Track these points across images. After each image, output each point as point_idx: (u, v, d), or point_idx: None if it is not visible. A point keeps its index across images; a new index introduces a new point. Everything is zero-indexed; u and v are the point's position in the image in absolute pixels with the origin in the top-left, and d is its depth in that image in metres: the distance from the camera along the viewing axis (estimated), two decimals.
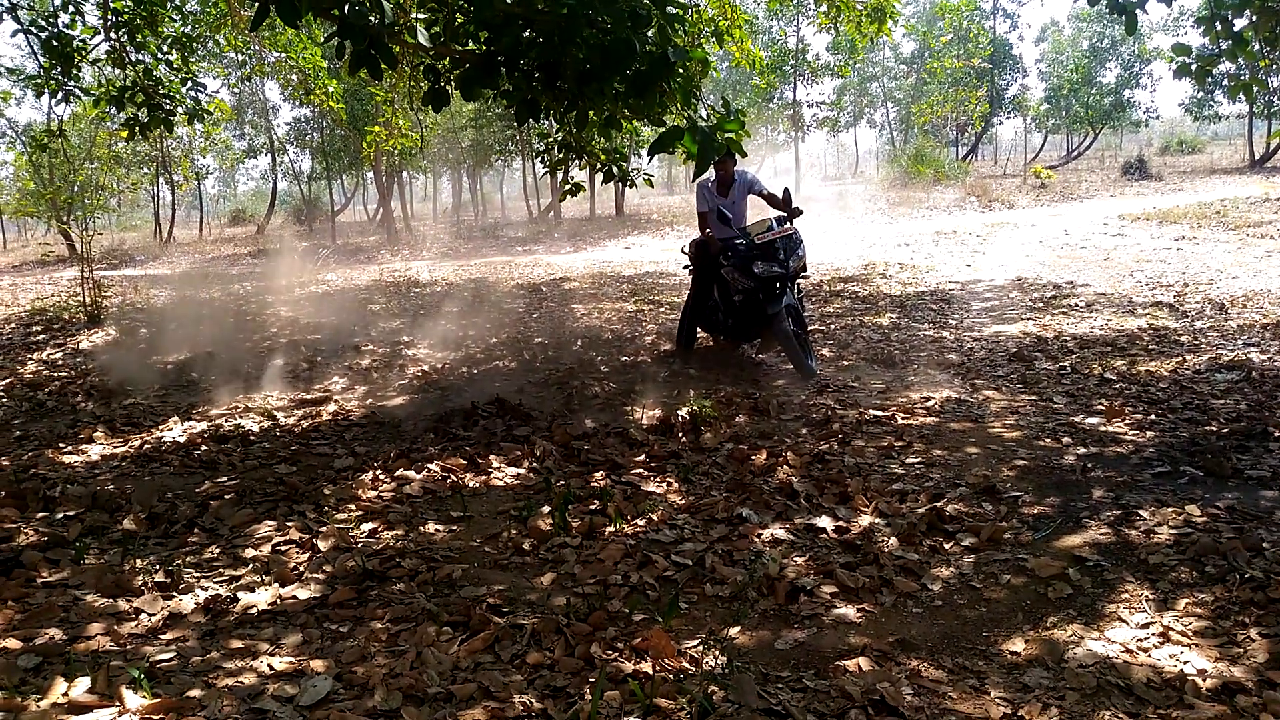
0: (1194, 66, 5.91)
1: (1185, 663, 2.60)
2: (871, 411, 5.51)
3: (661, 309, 10.35)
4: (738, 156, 6.56)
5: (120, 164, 25.78)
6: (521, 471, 4.62)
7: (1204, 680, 2.51)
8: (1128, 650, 2.69)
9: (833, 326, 8.65)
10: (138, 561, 3.49)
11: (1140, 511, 3.72)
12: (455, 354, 8.13)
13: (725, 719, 2.40)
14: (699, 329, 7.72)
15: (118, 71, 8.97)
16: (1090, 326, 7.98)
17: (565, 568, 3.43)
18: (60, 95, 8.32)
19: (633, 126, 6.46)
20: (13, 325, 10.79)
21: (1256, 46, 5.83)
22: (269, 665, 2.70)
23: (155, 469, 4.85)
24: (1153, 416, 5.17)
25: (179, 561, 3.50)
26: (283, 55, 11.50)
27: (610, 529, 3.78)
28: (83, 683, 2.54)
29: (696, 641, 2.83)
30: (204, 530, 3.90)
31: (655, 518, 3.89)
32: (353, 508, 4.10)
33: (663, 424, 5.34)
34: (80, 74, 8.44)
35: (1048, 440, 4.83)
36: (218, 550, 3.66)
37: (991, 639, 2.82)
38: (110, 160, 23.58)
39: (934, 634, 2.87)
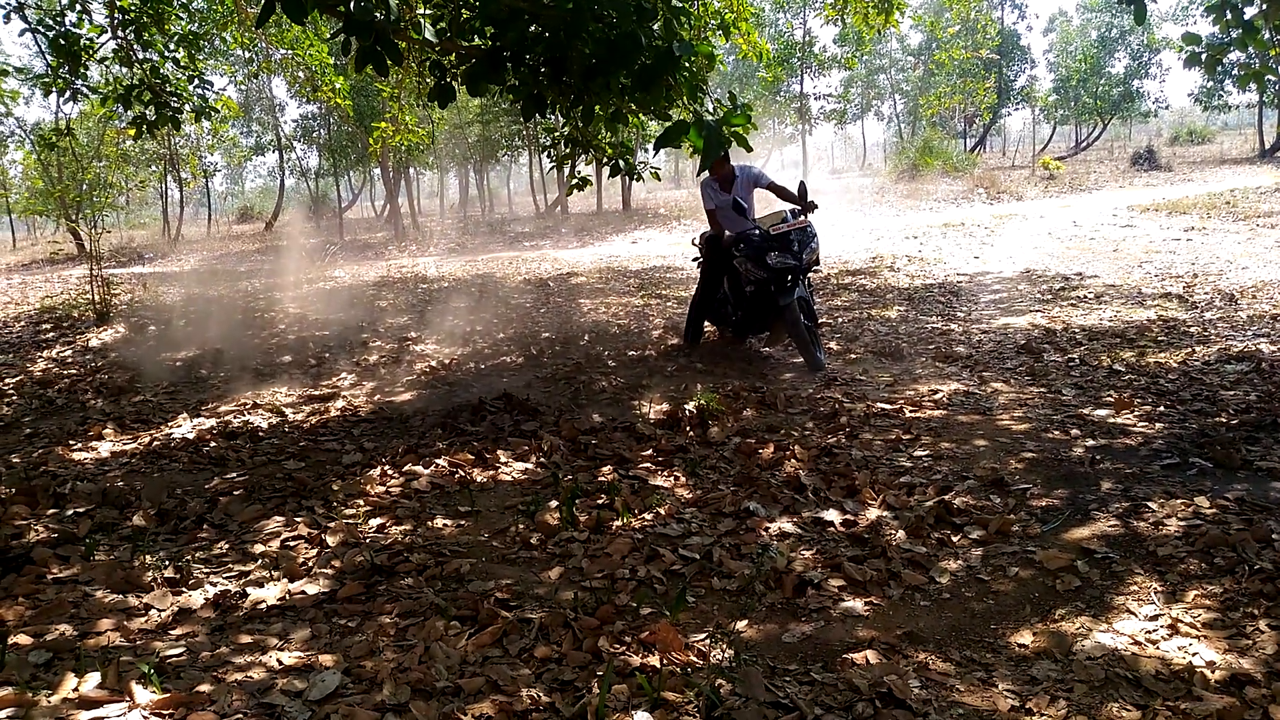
0: (1204, 56, 5.87)
1: (1194, 655, 2.60)
2: (879, 404, 5.50)
3: (669, 303, 10.34)
4: (733, 153, 6.61)
5: (128, 162, 25.87)
6: (529, 466, 4.62)
7: (1213, 672, 2.51)
8: (1136, 642, 2.68)
9: (840, 319, 8.64)
10: (147, 557, 3.50)
11: (1149, 503, 3.70)
12: (463, 349, 8.14)
13: (733, 712, 2.40)
14: (707, 322, 7.73)
15: (125, 70, 9.00)
16: (1099, 318, 7.95)
17: (573, 562, 3.44)
18: (68, 94, 8.35)
19: (639, 121, 6.46)
20: (22, 323, 10.85)
21: (1267, 35, 5.79)
22: (278, 660, 2.72)
23: (164, 465, 4.87)
24: (1162, 408, 5.15)
25: (188, 557, 3.52)
26: (289, 52, 11.50)
27: (618, 523, 3.78)
28: (93, 678, 2.56)
29: (704, 635, 2.84)
30: (213, 526, 3.92)
31: (662, 512, 3.89)
32: (361, 503, 4.11)
33: (670, 418, 5.34)
34: (87, 72, 8.46)
35: (1056, 432, 4.81)
36: (227, 546, 3.67)
37: (999, 631, 2.81)
38: (118, 158, 23.64)
39: (942, 627, 2.87)
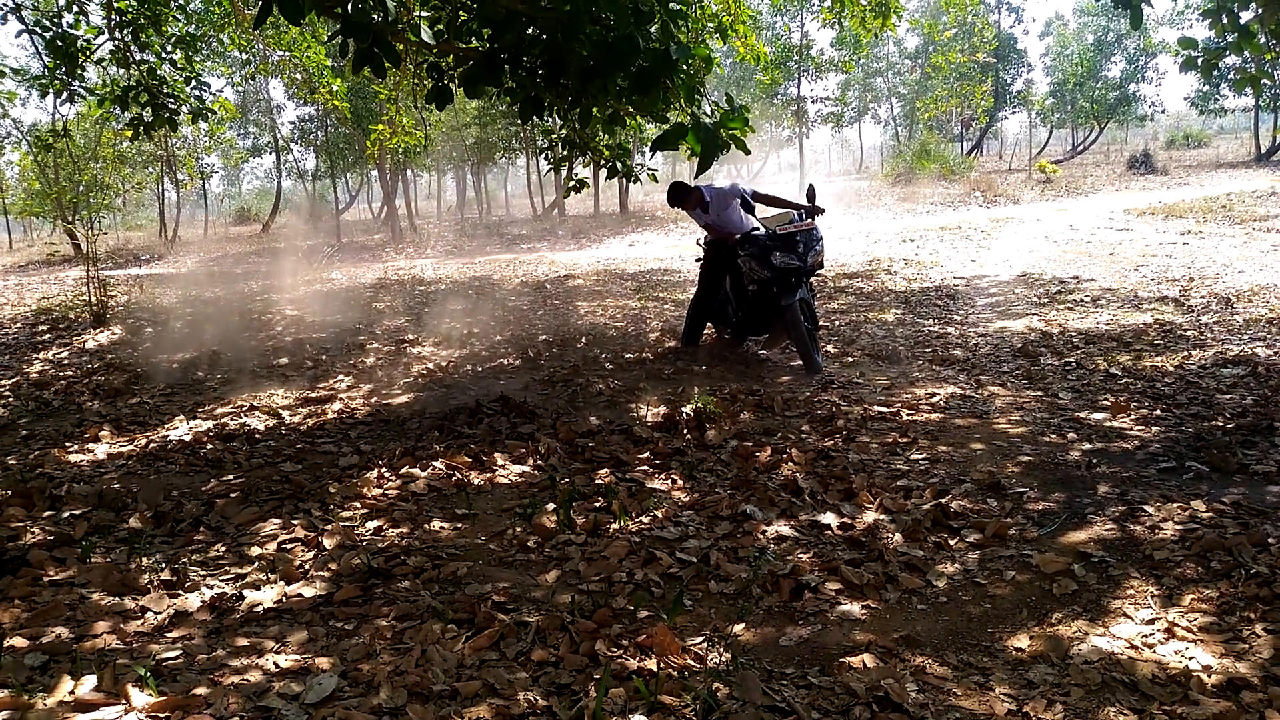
0: (1200, 60, 5.90)
1: (1190, 659, 2.60)
2: (876, 408, 5.50)
3: (666, 306, 10.35)
4: (695, 183, 6.77)
5: (125, 163, 25.84)
6: (526, 469, 4.62)
7: (1209, 676, 2.51)
8: (1133, 646, 2.68)
9: (837, 323, 8.64)
10: (144, 560, 3.50)
11: (1145, 507, 3.71)
12: (460, 352, 8.14)
13: (730, 716, 2.40)
14: (707, 323, 7.74)
15: (122, 71, 8.99)
16: (1095, 321, 7.96)
17: (570, 565, 3.43)
18: (65, 95, 8.35)
19: (636, 123, 6.47)
20: (19, 325, 10.83)
21: (1263, 40, 5.80)
22: (274, 663, 2.71)
23: (161, 468, 4.87)
24: (1158, 412, 5.16)
25: (185, 560, 3.51)
26: (287, 54, 11.51)
27: (615, 526, 3.78)
28: (89, 681, 2.55)
29: (701, 638, 2.84)
30: (209, 528, 3.91)
31: (660, 515, 3.89)
32: (358, 505, 4.11)
33: (667, 421, 5.34)
34: (85, 74, 8.46)
35: (1053, 436, 4.82)
36: (223, 548, 3.67)
37: (996, 635, 2.82)
38: (115, 160, 23.62)
39: (939, 630, 2.87)
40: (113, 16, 8.19)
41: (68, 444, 5.36)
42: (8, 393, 7.03)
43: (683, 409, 5.44)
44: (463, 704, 2.47)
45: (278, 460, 4.93)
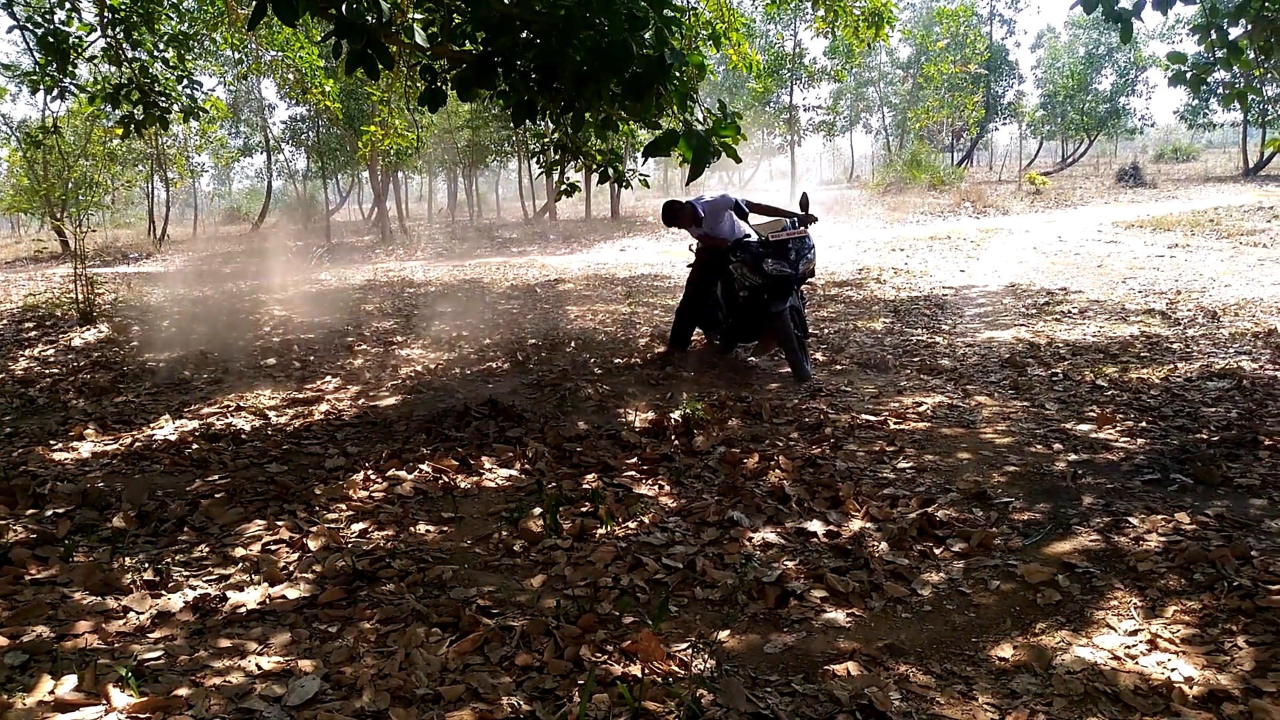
0: (1189, 74, 5.95)
1: (1173, 670, 2.61)
2: (864, 416, 5.52)
3: (655, 311, 10.35)
4: (686, 190, 6.79)
5: (115, 161, 25.73)
6: (513, 473, 4.61)
7: (1191, 688, 2.52)
8: (1115, 657, 2.69)
9: (827, 330, 8.66)
10: (127, 560, 3.48)
11: (1130, 518, 3.72)
12: (449, 355, 8.12)
13: None
14: (696, 329, 7.74)
15: (114, 69, 8.97)
16: (1083, 333, 8.00)
17: (556, 569, 3.43)
18: (56, 92, 8.31)
19: (629, 128, 6.48)
20: (5, 321, 10.76)
21: (1251, 55, 5.86)
22: (257, 665, 2.70)
23: (146, 467, 4.84)
24: (1144, 424, 5.18)
25: (168, 560, 3.49)
26: (279, 54, 11.49)
27: (601, 531, 3.78)
28: (70, 681, 2.54)
29: (686, 645, 2.83)
30: (194, 529, 3.89)
31: (646, 520, 3.89)
32: (343, 507, 4.09)
33: (655, 426, 5.34)
34: (76, 71, 8.42)
35: (1039, 446, 4.84)
36: (207, 549, 3.65)
37: (980, 645, 2.82)
38: (105, 157, 23.52)
39: (923, 639, 2.87)
40: (105, 14, 8.17)
41: (52, 442, 5.33)
42: None
43: (671, 415, 5.44)
44: (446, 708, 2.47)
45: (263, 461, 4.91)
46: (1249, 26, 5.51)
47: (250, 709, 2.45)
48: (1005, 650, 2.77)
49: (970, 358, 7.23)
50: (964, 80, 37.11)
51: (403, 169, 34.72)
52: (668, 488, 4.34)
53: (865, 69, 46.38)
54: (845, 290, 11.52)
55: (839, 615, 3.03)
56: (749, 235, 6.90)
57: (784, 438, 5.16)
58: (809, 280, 7.13)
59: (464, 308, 11.34)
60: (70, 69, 8.12)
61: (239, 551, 3.61)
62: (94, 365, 7.85)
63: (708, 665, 2.71)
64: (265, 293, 13.75)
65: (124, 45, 8.32)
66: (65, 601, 3.12)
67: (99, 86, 8.83)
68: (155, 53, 8.77)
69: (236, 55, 12.60)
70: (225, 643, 2.85)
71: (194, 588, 3.27)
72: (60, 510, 4.05)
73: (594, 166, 6.88)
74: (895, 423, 5.38)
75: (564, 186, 7.57)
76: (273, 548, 3.66)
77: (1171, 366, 6.53)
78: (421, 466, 4.64)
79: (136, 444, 5.29)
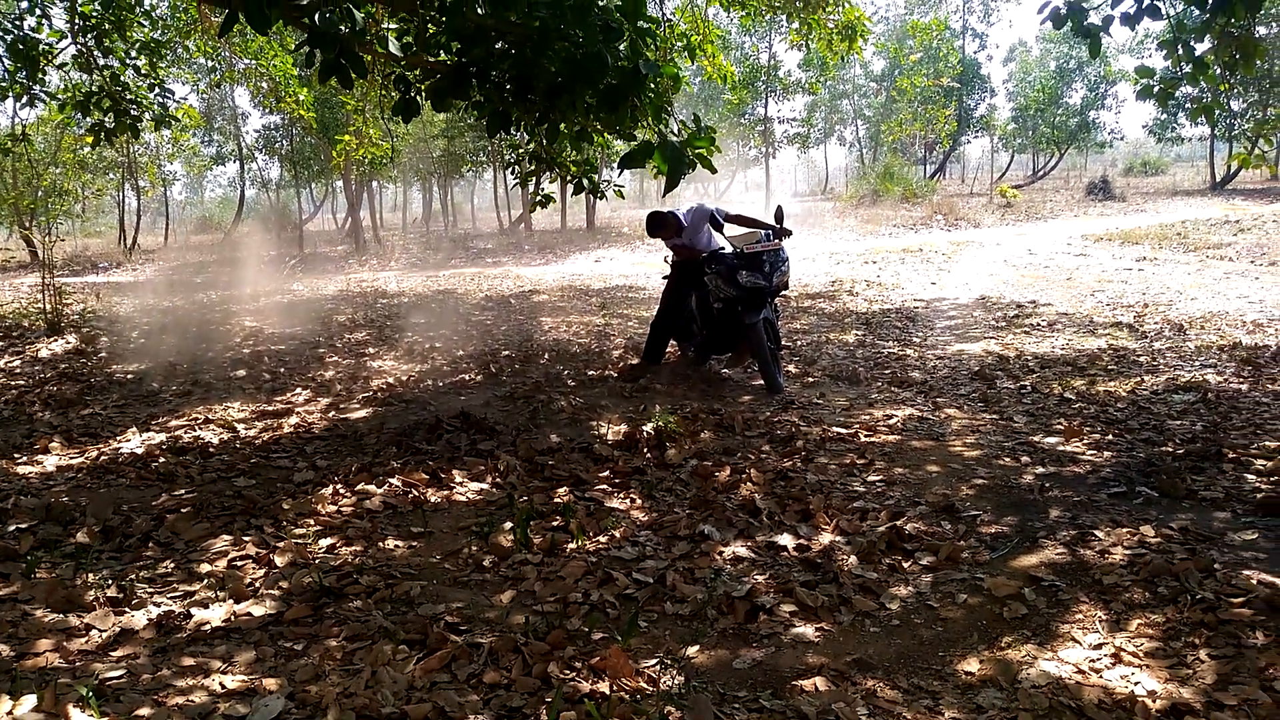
0: (1157, 89, 6.04)
1: (1136, 684, 2.63)
2: (835, 429, 5.54)
3: (630, 323, 10.36)
4: (667, 210, 6.91)
5: (85, 169, 25.39)
6: (484, 486, 4.59)
7: (1154, 701, 2.54)
8: (1080, 671, 2.71)
9: (800, 343, 8.70)
10: (90, 576, 3.43)
11: (1096, 531, 3.76)
12: (421, 366, 8.09)
13: None
14: (670, 341, 7.74)
15: (84, 76, 8.88)
16: (1051, 346, 8.08)
17: (525, 585, 3.41)
18: (25, 99, 8.22)
19: (604, 139, 6.49)
20: None
21: (1217, 70, 5.95)
22: (221, 684, 2.67)
23: (111, 481, 4.78)
24: (1110, 436, 5.24)
25: (132, 576, 3.45)
26: (253, 62, 11.43)
27: (572, 546, 3.77)
28: (29, 700, 2.49)
29: (655, 661, 2.83)
30: (159, 544, 3.85)
31: (618, 534, 3.89)
32: (311, 523, 4.05)
33: (628, 439, 5.34)
34: (46, 78, 8.34)
35: (1007, 459, 4.88)
36: (172, 565, 3.61)
37: (947, 659, 2.84)
38: (75, 165, 23.20)
39: (890, 653, 2.88)
40: (76, 20, 8.09)
41: (16, 455, 5.25)
42: None
43: (644, 427, 5.44)
44: None
45: (231, 475, 4.86)
46: (1215, 42, 5.60)
47: None
48: (972, 664, 2.79)
49: (940, 370, 7.28)
50: (937, 94, 37.48)
51: (377, 178, 34.56)
52: (639, 501, 4.34)
53: (839, 82, 46.75)
54: (818, 302, 11.59)
55: (808, 630, 3.04)
56: (723, 247, 6.93)
57: (756, 450, 5.17)
58: (783, 293, 7.16)
59: (437, 319, 11.30)
60: (40, 76, 8.04)
61: (204, 567, 3.57)
62: (61, 377, 7.75)
63: (676, 681, 2.71)
64: (236, 303, 13.64)
65: (95, 52, 8.24)
66: (26, 619, 3.08)
67: (69, 94, 8.75)
68: (127, 60, 8.69)
69: (209, 63, 12.54)
70: (189, 661, 2.82)
71: (158, 604, 3.23)
72: (23, 525, 3.99)
73: (569, 177, 6.88)
74: (866, 435, 5.41)
75: (539, 197, 7.56)
76: (239, 564, 3.62)
77: (1138, 379, 6.61)
78: (391, 480, 4.61)
79: (102, 457, 5.22)
